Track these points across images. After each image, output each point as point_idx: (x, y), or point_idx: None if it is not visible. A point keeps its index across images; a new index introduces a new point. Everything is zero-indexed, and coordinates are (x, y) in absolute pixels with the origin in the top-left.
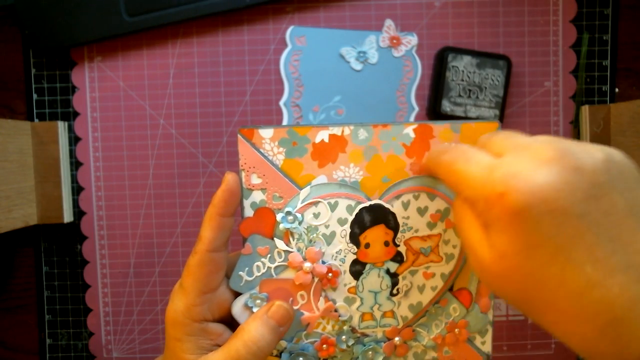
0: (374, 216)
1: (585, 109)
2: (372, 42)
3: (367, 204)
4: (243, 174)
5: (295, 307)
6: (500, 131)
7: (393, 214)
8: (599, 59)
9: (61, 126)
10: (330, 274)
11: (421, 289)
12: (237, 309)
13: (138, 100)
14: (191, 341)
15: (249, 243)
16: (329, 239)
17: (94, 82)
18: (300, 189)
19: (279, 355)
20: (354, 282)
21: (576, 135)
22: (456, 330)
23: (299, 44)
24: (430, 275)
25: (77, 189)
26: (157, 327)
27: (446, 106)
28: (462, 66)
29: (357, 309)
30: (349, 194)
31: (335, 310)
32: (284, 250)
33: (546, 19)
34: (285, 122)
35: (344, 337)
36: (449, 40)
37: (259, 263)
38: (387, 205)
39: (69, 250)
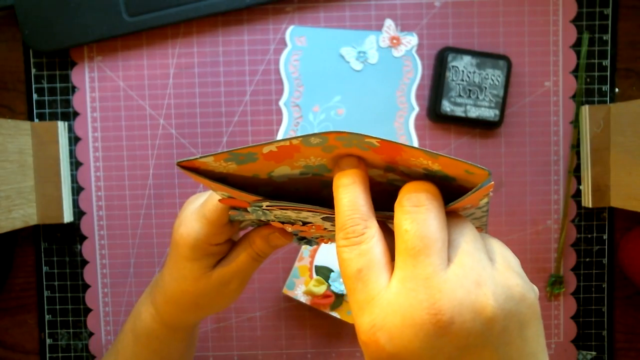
0: None
1: (585, 109)
2: (372, 42)
3: (332, 215)
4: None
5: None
6: (420, 236)
7: None
8: (599, 59)
9: (61, 126)
10: (313, 228)
11: None
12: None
13: (138, 100)
14: (206, 260)
15: (235, 210)
16: (302, 217)
17: (94, 82)
18: (260, 193)
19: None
20: None
21: (576, 135)
22: None
23: (299, 44)
24: None
25: (77, 189)
26: None
27: (446, 106)
28: (462, 66)
29: None
30: (310, 208)
31: (324, 229)
32: (265, 219)
33: (546, 19)
34: (285, 122)
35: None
36: (449, 40)
37: (247, 216)
38: None
39: (69, 250)
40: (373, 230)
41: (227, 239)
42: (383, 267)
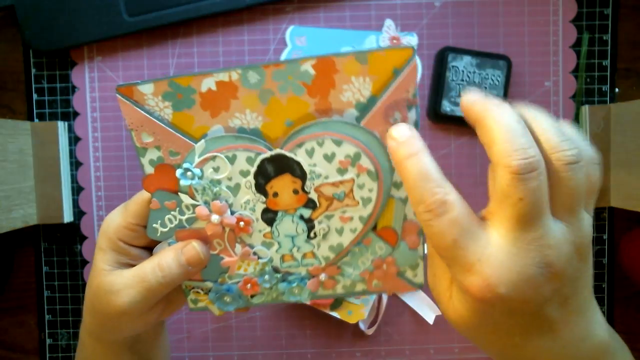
0: (278, 166)
1: (585, 109)
2: (372, 42)
3: (268, 154)
4: (133, 133)
5: (214, 252)
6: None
7: (298, 162)
8: (599, 59)
9: (61, 126)
10: (241, 223)
11: (340, 232)
12: (158, 250)
13: None
14: (112, 255)
15: (155, 199)
16: (235, 190)
17: (94, 82)
18: (195, 142)
19: (207, 293)
20: (268, 228)
21: None
22: (384, 266)
23: (299, 44)
24: (347, 218)
25: (77, 189)
26: None
27: (446, 106)
28: (462, 66)
29: (276, 251)
30: (246, 145)
31: (254, 254)
32: (190, 204)
33: (546, 19)
34: None
35: (266, 276)
36: (449, 40)
37: (169, 216)
38: (289, 155)
39: (69, 250)
40: (453, 194)
41: (137, 243)
42: (477, 228)
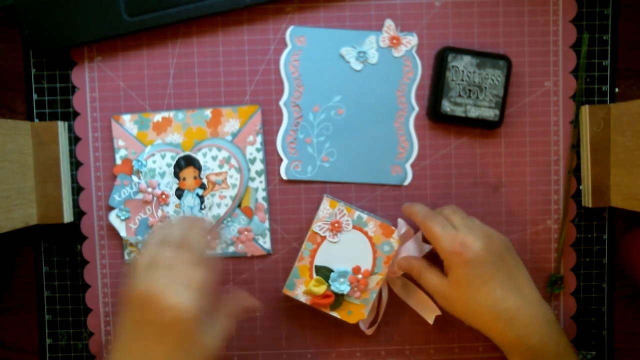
0: (187, 161)
1: (585, 109)
2: (372, 42)
3: (182, 154)
4: (114, 140)
5: (145, 216)
6: (455, 211)
7: (197, 160)
8: (599, 59)
9: (61, 126)
10: (163, 196)
11: (219, 206)
12: (112, 217)
13: (138, 100)
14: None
15: (119, 179)
16: (162, 175)
17: (94, 82)
18: (146, 147)
19: (137, 245)
20: (178, 201)
21: (576, 135)
22: (245, 233)
23: (299, 44)
24: (223, 197)
25: (77, 189)
26: None
27: (446, 106)
28: (462, 66)
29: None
30: (172, 149)
31: (168, 217)
32: (137, 182)
33: (546, 19)
34: (285, 122)
35: None
36: (449, 40)
37: (124, 190)
38: (194, 155)
39: (69, 250)
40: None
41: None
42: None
